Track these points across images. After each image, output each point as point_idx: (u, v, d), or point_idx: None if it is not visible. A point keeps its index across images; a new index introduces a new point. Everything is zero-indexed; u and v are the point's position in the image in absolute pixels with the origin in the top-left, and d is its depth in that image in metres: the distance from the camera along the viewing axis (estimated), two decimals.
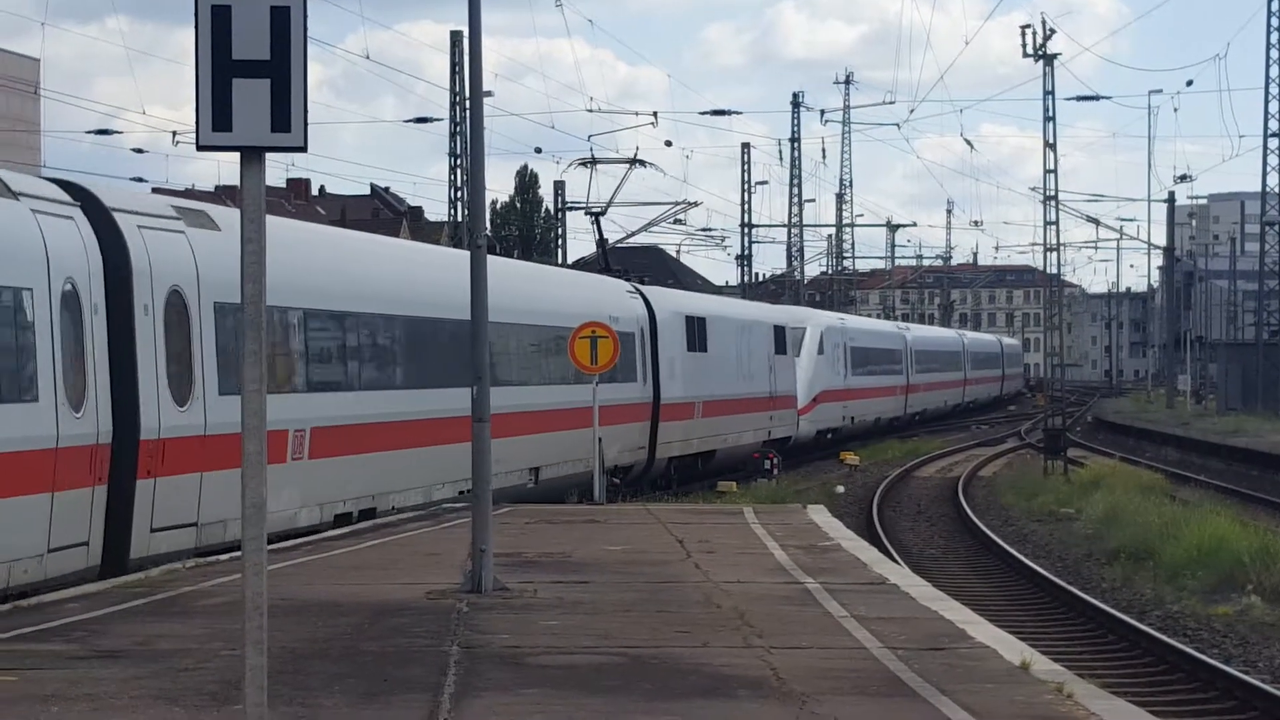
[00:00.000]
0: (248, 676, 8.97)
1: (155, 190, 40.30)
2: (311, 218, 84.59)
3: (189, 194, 60.03)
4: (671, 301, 42.47)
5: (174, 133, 65.58)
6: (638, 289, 40.20)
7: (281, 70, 8.67)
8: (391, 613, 15.78)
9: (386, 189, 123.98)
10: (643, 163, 47.59)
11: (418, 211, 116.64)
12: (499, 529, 18.08)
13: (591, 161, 47.48)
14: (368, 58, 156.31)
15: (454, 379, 26.93)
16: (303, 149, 8.79)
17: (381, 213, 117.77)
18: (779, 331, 52.32)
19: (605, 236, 46.31)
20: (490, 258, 19.43)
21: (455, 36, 57.52)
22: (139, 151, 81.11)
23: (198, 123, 8.73)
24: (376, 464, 25.51)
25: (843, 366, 62.70)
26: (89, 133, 62.18)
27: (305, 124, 8.72)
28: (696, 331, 42.88)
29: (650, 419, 39.27)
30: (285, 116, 8.70)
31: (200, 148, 8.76)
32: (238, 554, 19.98)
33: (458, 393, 25.20)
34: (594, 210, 46.37)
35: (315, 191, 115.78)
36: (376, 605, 16.27)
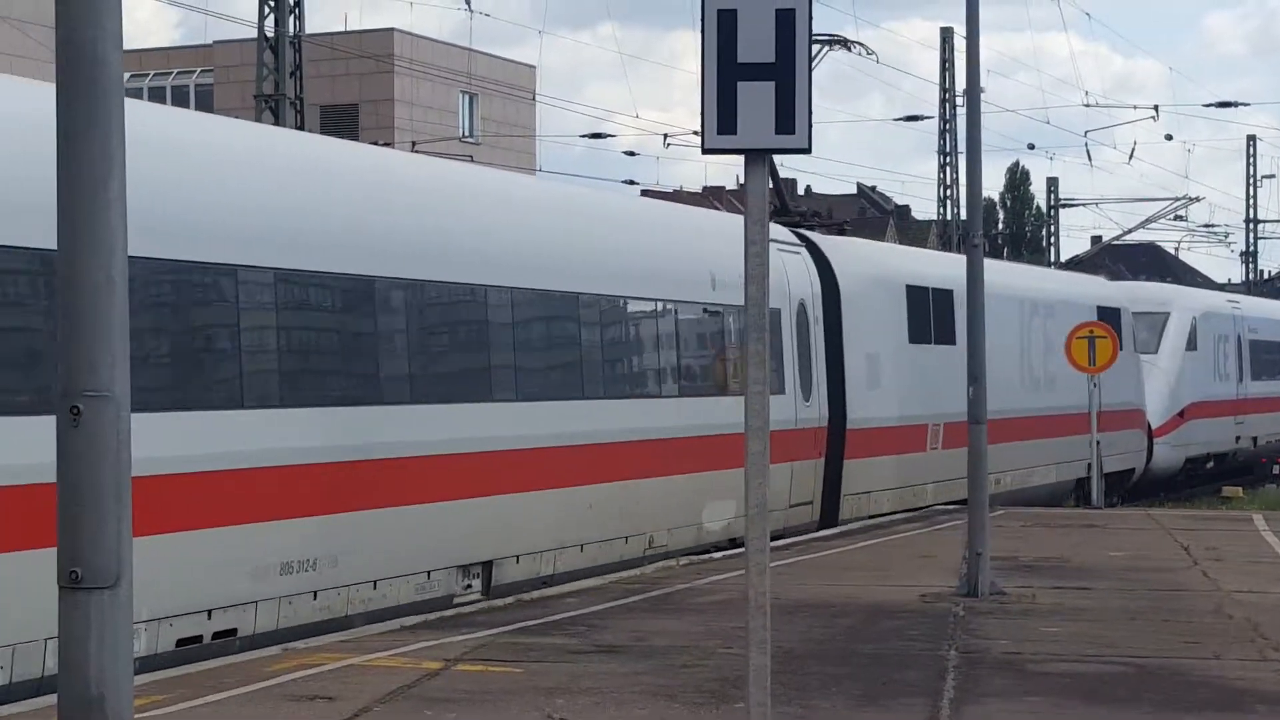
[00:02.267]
0: (751, 676, 8.97)
1: (644, 193, 40.79)
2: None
3: (677, 195, 60.97)
4: (875, 262, 27.86)
5: (665, 135, 66.68)
6: (807, 238, 26.15)
7: (786, 72, 8.65)
8: (886, 615, 15.69)
9: (873, 188, 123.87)
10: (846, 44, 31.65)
11: (904, 210, 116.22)
12: (993, 532, 17.79)
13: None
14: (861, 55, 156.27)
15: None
16: (807, 150, 8.76)
17: (868, 211, 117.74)
18: (1110, 316, 35.65)
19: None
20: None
21: (946, 33, 57.12)
22: (630, 154, 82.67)
23: (703, 126, 8.78)
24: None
25: (1233, 367, 45.56)
26: (582, 136, 63.72)
27: (809, 125, 8.69)
28: (932, 312, 28.65)
29: (822, 453, 24.82)
30: (789, 118, 8.67)
31: (705, 151, 8.81)
32: (730, 552, 20.58)
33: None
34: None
35: (801, 191, 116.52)
36: (871, 606, 16.20)
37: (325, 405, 14.94)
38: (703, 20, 8.65)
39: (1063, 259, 68.99)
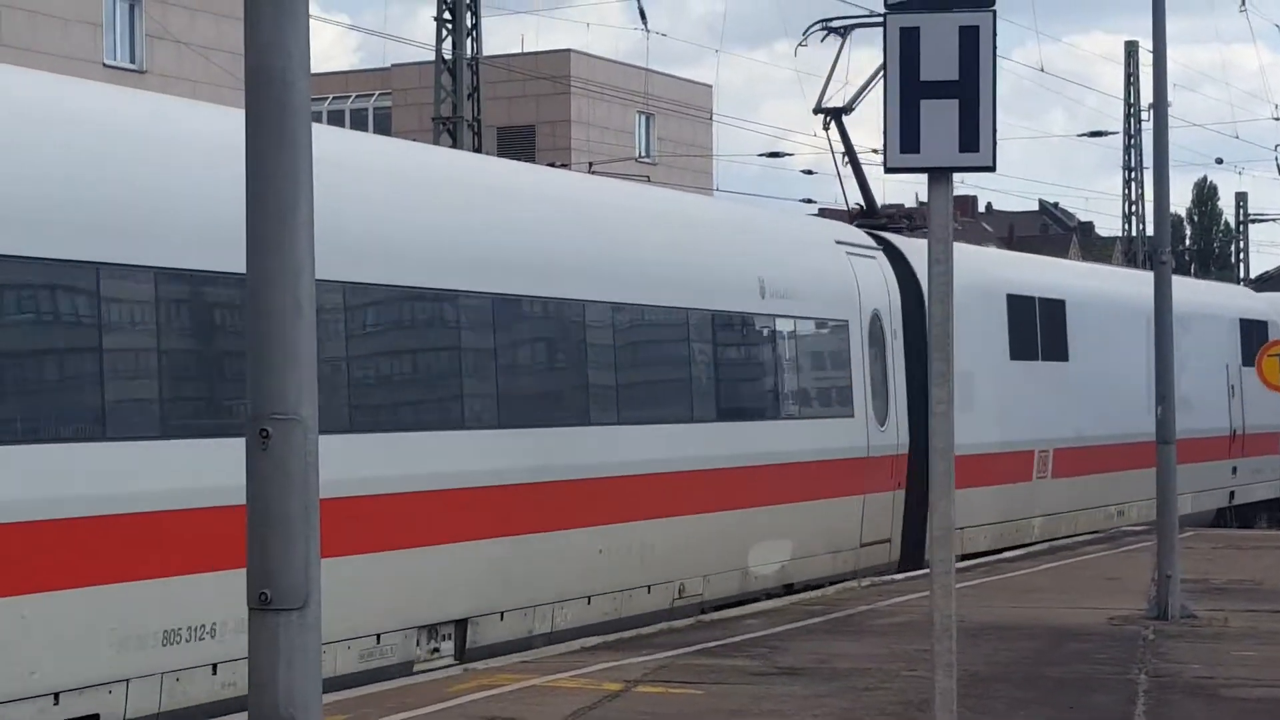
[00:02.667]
0: (937, 700, 8.86)
1: (821, 211, 40.75)
2: (977, 235, 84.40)
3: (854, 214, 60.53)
4: (969, 268, 22.30)
5: (843, 153, 66.36)
6: (887, 241, 23.02)
7: (970, 89, 8.56)
8: (1073, 637, 15.44)
9: (1055, 204, 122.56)
10: None
11: (1088, 227, 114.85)
12: (1183, 553, 17.48)
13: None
14: (1042, 70, 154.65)
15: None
16: (991, 168, 8.66)
17: (1050, 228, 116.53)
18: (1255, 330, 32.18)
19: (854, 151, 25.56)
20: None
21: (1130, 47, 56.39)
22: (808, 173, 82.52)
23: (885, 145, 8.71)
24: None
25: None
26: (759, 155, 63.59)
27: (994, 143, 8.58)
28: (1039, 324, 25.59)
29: (901, 484, 21.81)
30: (973, 136, 8.58)
31: (888, 170, 8.74)
32: (912, 574, 20.29)
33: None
34: (832, 108, 25.21)
35: (982, 208, 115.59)
36: (1057, 629, 15.96)
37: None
38: (885, 38, 8.58)
39: (1252, 275, 67.78)
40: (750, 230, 20.06)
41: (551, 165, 21.76)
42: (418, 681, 13.13)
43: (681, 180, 56.34)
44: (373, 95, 64.93)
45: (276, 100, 6.58)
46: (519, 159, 24.32)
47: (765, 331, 18.97)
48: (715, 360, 17.81)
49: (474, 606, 14.42)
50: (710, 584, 17.73)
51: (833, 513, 19.97)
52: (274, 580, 6.55)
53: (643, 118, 62.54)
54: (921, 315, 21.50)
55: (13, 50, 36.70)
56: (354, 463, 12.97)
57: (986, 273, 24.56)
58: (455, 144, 35.77)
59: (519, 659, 14.21)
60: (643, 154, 61.09)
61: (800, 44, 25.70)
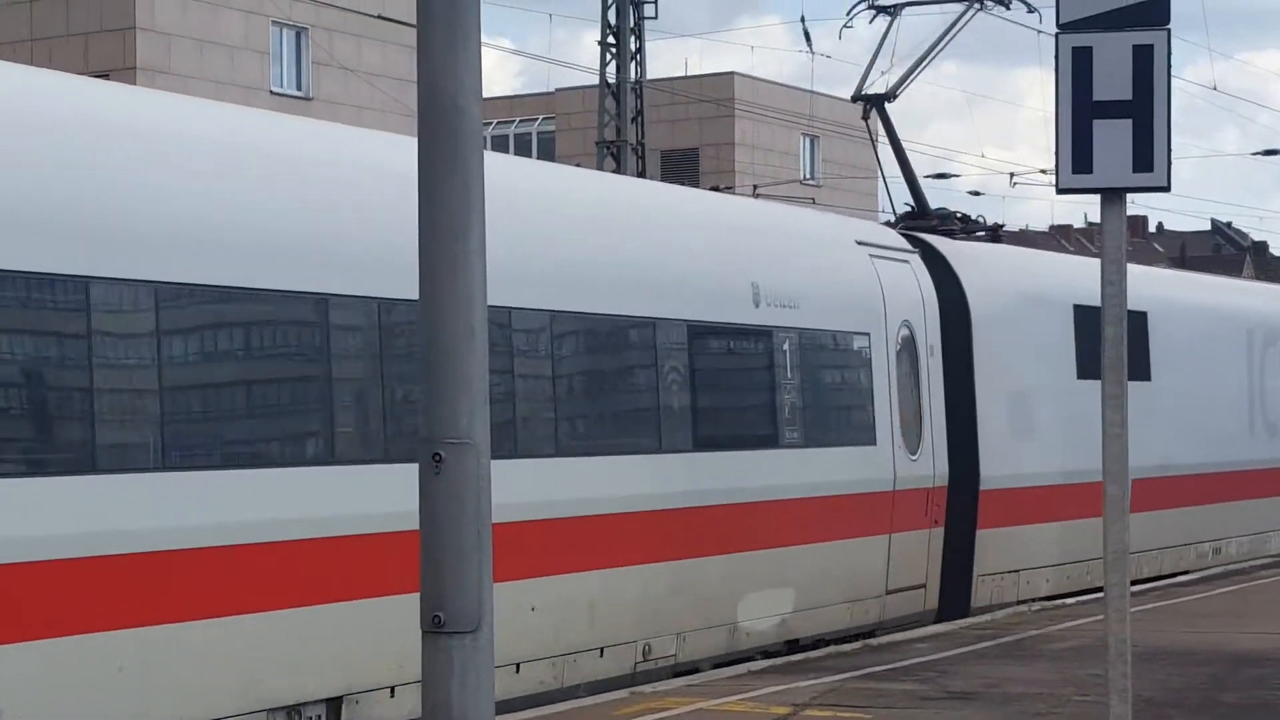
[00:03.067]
0: None
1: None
2: (1149, 255, 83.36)
3: (1023, 236, 60.17)
4: (1026, 274, 21.64)
5: (1010, 174, 65.81)
6: (924, 243, 20.21)
7: (1144, 109, 8.45)
8: (1250, 663, 15.16)
9: (1228, 224, 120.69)
10: None
11: (1261, 246, 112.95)
12: None
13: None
14: (1214, 88, 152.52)
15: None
16: (1166, 189, 8.55)
17: (1223, 248, 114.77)
18: None
19: (899, 142, 23.26)
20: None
21: None
22: (975, 194, 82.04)
23: (1057, 165, 8.62)
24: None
25: None
26: (926, 176, 63.27)
27: (1169, 163, 8.47)
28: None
29: (939, 520, 18.88)
30: (1147, 156, 8.47)
31: (1060, 190, 8.66)
32: (1086, 598, 19.88)
33: None
34: (873, 95, 22.90)
35: (1153, 228, 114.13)
36: (1233, 655, 15.68)
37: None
38: (1057, 58, 8.50)
39: None
40: (742, 228, 17.00)
41: (715, 189, 21.12)
42: (583, 705, 13.16)
43: (846, 202, 56.17)
44: (536, 120, 65.37)
45: (449, 126, 6.66)
46: (682, 182, 24.02)
47: (759, 346, 16.09)
48: (691, 380, 15.03)
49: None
50: (686, 643, 14.94)
51: (848, 556, 17.10)
52: (447, 604, 6.62)
53: (807, 140, 62.41)
54: (966, 328, 19.48)
55: (180, 78, 37.42)
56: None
57: (1048, 279, 21.74)
58: (619, 168, 35.93)
59: (684, 683, 14.20)
60: (807, 176, 60.99)
61: (845, 25, 23.93)
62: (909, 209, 22.33)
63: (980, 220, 22.60)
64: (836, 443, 17.09)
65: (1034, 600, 19.94)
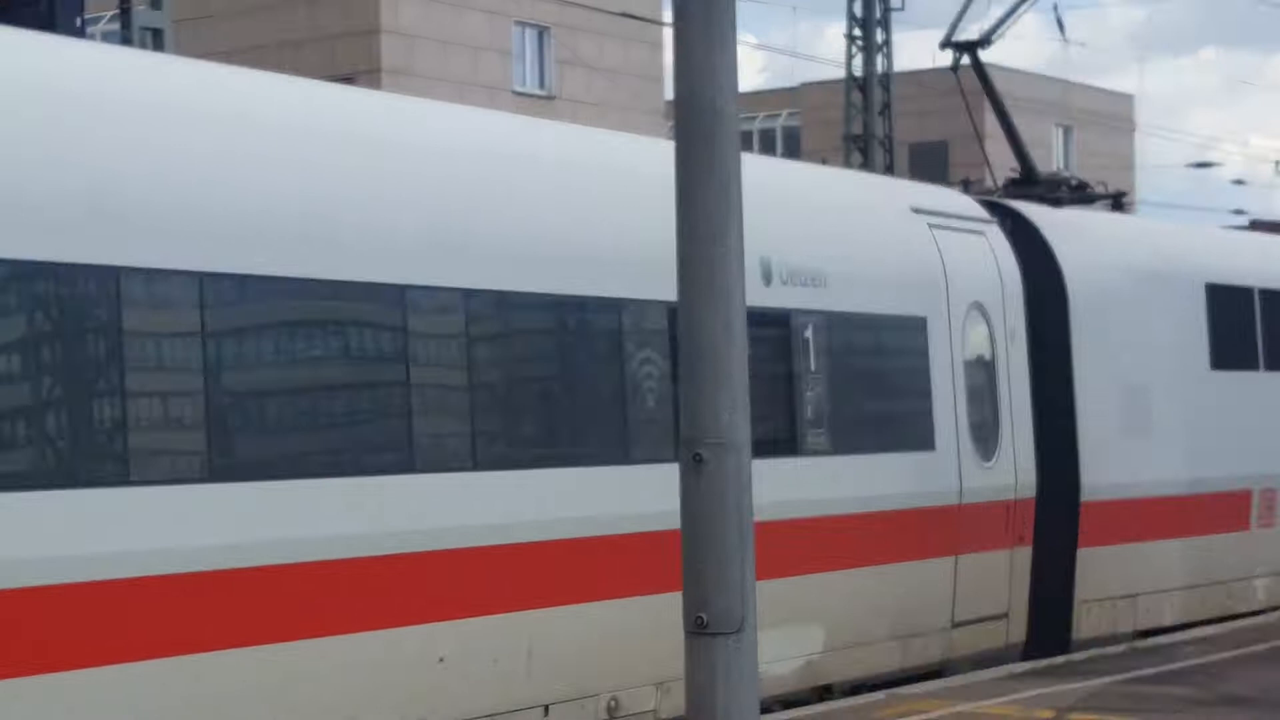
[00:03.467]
0: None
1: (1253, 224, 38.89)
2: None
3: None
4: (1143, 248, 18.36)
5: (1277, 162, 64.26)
6: (1013, 211, 17.22)
7: None
8: None
9: None
10: None
11: None
12: None
13: None
14: None
15: None
16: None
17: None
18: None
19: (996, 95, 19.95)
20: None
21: None
22: (1239, 183, 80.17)
23: None
24: None
25: None
26: (1186, 165, 61.90)
27: None
28: (1260, 324, 19.20)
29: (1024, 538, 16.02)
30: None
31: None
32: (1234, 624, 17.22)
33: None
34: (966, 41, 19.88)
35: None
36: None
37: None
38: None
39: None
40: (751, 190, 14.71)
41: (965, 182, 19.71)
42: (841, 706, 13.08)
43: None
44: (781, 115, 65.30)
45: (707, 128, 6.66)
46: (931, 176, 23.38)
47: (770, 333, 13.31)
48: (672, 374, 12.00)
49: None
50: (670, 694, 11.97)
51: (897, 583, 14.33)
52: (710, 604, 6.62)
53: (1060, 130, 61.52)
54: (1064, 310, 16.49)
55: (424, 80, 37.94)
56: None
57: (1173, 255, 18.42)
58: (866, 162, 35.68)
59: (943, 684, 14.04)
60: (1061, 167, 60.10)
61: None
62: (1013, 176, 19.15)
63: (1100, 188, 19.44)
64: (878, 448, 14.27)
65: (1158, 630, 17.08)
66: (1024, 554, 15.66)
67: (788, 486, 12.92)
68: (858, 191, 16.15)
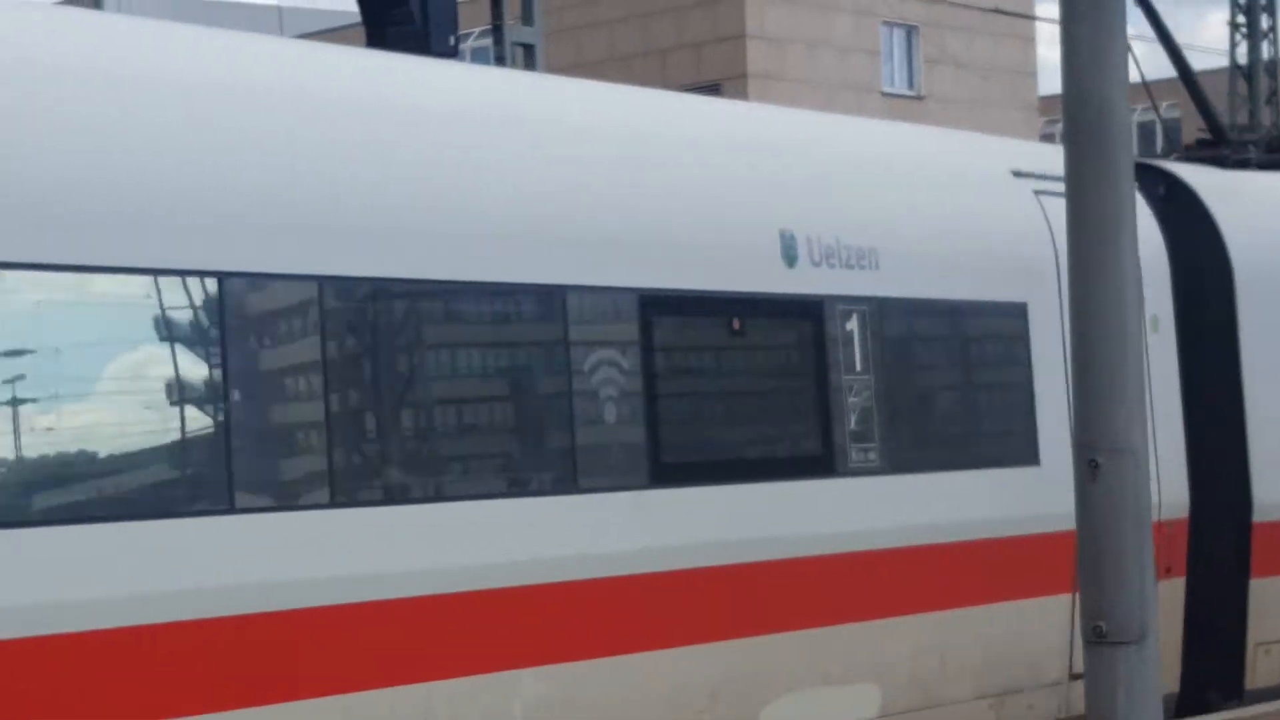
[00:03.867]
0: None
1: None
2: None
3: None
4: None
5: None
6: (1171, 175, 14.20)
7: None
8: None
9: None
10: None
11: None
12: None
13: None
14: None
15: None
16: None
17: None
18: None
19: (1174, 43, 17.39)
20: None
21: None
22: None
23: None
24: None
25: None
26: None
27: None
28: None
29: (1178, 568, 13.09)
30: None
31: None
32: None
33: None
34: None
35: None
36: None
37: None
38: None
39: None
40: (785, 152, 11.35)
41: None
42: None
43: None
44: (1161, 105, 63.79)
45: (1098, 126, 6.54)
46: None
47: (796, 326, 10.82)
48: (648, 379, 9.82)
49: None
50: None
51: (989, 628, 11.71)
52: (1108, 613, 6.50)
53: None
54: (1228, 293, 13.57)
55: (792, 83, 38.01)
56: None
57: None
58: None
59: None
60: None
61: None
62: (1202, 136, 16.29)
63: None
64: (958, 465, 11.65)
65: None
66: (1174, 586, 12.81)
67: (821, 516, 10.67)
68: (930, 151, 13.02)
